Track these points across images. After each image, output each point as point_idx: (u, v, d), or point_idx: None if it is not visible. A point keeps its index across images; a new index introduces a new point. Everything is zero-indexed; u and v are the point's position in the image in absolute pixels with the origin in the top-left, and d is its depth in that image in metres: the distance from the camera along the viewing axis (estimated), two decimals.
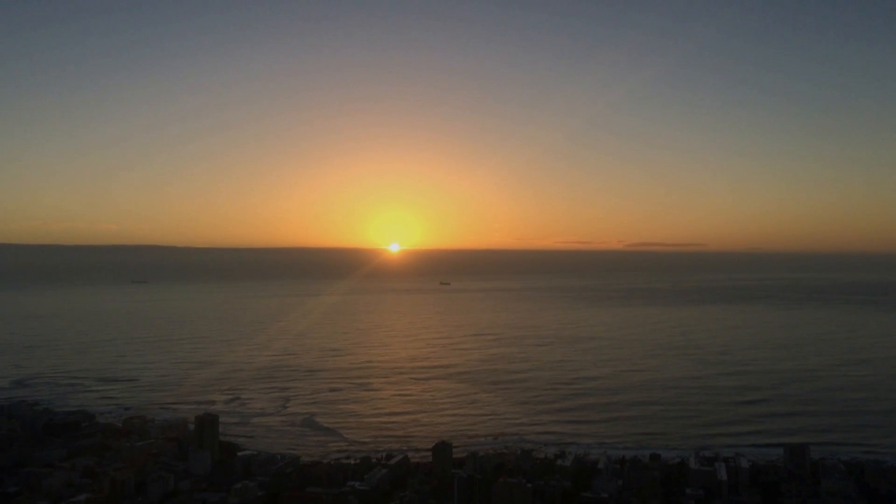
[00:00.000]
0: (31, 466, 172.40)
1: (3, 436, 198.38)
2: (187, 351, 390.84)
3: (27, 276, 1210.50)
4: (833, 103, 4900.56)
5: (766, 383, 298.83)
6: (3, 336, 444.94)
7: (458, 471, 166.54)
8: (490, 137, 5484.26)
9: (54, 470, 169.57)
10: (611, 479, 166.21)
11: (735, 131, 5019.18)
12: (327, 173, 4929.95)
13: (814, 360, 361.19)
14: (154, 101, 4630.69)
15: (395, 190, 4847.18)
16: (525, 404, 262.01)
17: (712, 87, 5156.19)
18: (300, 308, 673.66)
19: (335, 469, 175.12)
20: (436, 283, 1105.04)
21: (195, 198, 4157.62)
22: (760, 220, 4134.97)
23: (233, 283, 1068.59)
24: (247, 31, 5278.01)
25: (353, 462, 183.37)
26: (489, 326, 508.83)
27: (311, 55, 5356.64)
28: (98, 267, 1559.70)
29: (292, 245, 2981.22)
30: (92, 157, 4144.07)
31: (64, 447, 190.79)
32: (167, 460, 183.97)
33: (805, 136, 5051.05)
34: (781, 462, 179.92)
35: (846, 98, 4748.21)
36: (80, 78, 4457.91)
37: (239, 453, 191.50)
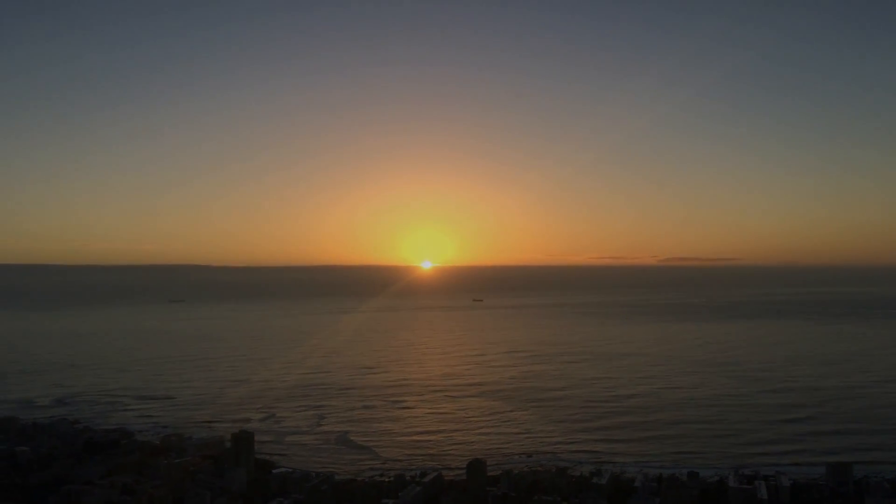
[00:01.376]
0: (72, 484, 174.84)
1: (44, 453, 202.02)
2: (223, 369, 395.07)
3: (68, 295, 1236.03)
4: (870, 117, 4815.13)
5: (810, 401, 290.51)
6: (45, 355, 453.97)
7: (493, 489, 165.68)
8: (523, 155, 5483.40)
9: (94, 487, 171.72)
10: (648, 497, 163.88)
11: (769, 145, 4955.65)
12: (360, 192, 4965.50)
13: (859, 376, 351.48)
14: (190, 123, 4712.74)
15: (428, 207, 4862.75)
16: (560, 422, 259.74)
17: (746, 104, 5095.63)
18: (333, 325, 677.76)
19: (369, 486, 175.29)
20: (468, 299, 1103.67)
21: (231, 218, 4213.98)
22: (797, 233, 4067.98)
23: (267, 302, 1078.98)
24: (281, 52, 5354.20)
25: (387, 480, 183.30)
26: (523, 343, 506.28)
27: (345, 76, 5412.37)
28: (136, 286, 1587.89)
29: (326, 263, 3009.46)
30: (130, 179, 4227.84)
31: (103, 465, 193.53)
32: (204, 477, 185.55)
33: (842, 148, 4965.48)
34: (823, 480, 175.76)
35: (884, 111, 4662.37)
36: (117, 100, 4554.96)
37: (274, 471, 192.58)
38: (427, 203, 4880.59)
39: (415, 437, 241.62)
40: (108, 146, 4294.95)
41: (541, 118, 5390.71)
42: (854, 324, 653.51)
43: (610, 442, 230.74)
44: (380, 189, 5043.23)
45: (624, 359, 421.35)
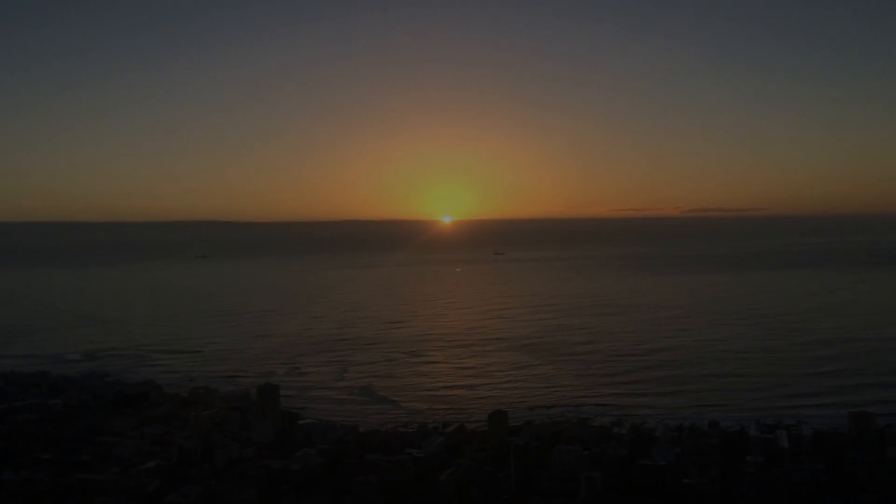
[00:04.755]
0: (103, 435, 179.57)
1: (75, 406, 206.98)
2: (248, 323, 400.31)
3: (95, 252, 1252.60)
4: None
5: (841, 353, 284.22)
6: (74, 311, 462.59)
7: (515, 438, 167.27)
8: (544, 106, 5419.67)
9: (125, 438, 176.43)
10: (668, 446, 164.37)
11: (793, 92, 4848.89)
12: (382, 147, 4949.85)
13: (892, 328, 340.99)
14: (213, 78, 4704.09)
15: (448, 161, 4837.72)
16: (583, 376, 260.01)
17: (770, 51, 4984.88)
18: (356, 280, 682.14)
19: (393, 437, 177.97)
20: (489, 253, 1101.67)
21: (254, 174, 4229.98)
22: (824, 181, 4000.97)
23: (291, 257, 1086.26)
24: (307, 9, 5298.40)
25: (410, 430, 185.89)
26: (546, 296, 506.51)
27: (368, 32, 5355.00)
28: (162, 243, 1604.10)
29: (348, 218, 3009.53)
30: (155, 137, 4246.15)
31: (133, 416, 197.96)
32: (231, 429, 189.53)
33: (868, 96, 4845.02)
34: (845, 429, 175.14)
35: None
36: (142, 59, 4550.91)
37: (300, 422, 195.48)
38: (448, 157, 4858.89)
39: (438, 390, 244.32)
40: (135, 106, 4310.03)
41: (562, 70, 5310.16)
42: (888, 273, 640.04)
43: (633, 395, 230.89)
44: (401, 144, 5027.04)
45: (649, 311, 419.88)
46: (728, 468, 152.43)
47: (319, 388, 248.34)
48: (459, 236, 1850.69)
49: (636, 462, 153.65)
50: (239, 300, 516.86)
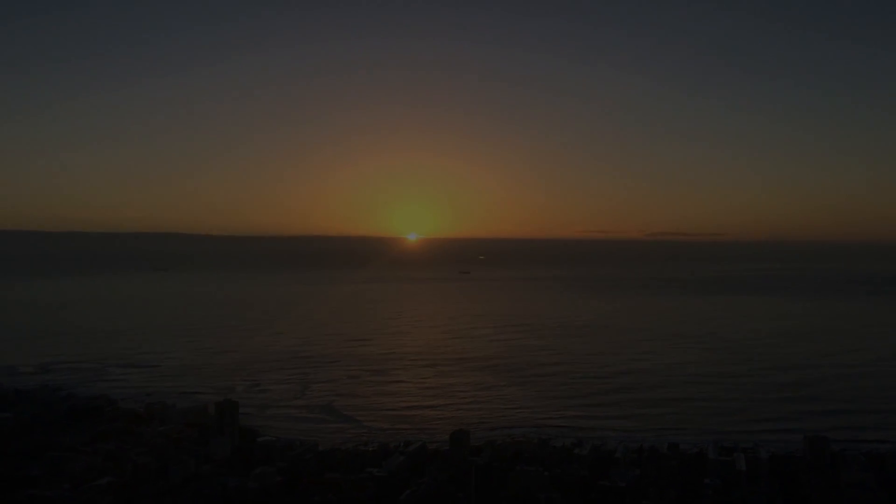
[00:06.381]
0: (54, 450, 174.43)
1: (26, 420, 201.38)
2: (208, 338, 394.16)
3: (51, 263, 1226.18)
4: (858, 90, 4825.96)
5: (803, 378, 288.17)
6: (27, 322, 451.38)
7: (476, 459, 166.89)
8: (511, 127, 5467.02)
9: (77, 454, 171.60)
10: (628, 468, 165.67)
11: (757, 119, 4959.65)
12: (348, 163, 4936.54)
13: (848, 356, 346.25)
14: (177, 90, 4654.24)
15: (415, 179, 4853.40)
16: (545, 396, 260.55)
17: (733, 76, 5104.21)
18: (320, 296, 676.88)
19: (353, 455, 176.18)
20: (455, 271, 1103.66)
21: (216, 186, 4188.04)
22: (779, 209, 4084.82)
23: (253, 271, 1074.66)
24: (272, 22, 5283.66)
25: (370, 449, 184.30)
26: (510, 316, 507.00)
27: (335, 48, 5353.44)
28: (121, 254, 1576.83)
29: (312, 233, 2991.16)
30: (114, 146, 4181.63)
31: (86, 432, 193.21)
32: (188, 445, 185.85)
33: (829, 123, 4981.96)
34: (801, 453, 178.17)
35: (871, 85, 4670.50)
36: (101, 68, 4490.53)
37: (258, 439, 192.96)
38: (414, 175, 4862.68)
39: (399, 408, 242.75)
40: (94, 113, 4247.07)
41: (529, 90, 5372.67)
42: (845, 300, 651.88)
43: (594, 417, 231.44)
44: (367, 160, 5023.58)
45: (612, 333, 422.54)
46: (686, 490, 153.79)
47: (280, 405, 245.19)
48: (425, 254, 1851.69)
49: (596, 483, 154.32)
50: (199, 314, 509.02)
